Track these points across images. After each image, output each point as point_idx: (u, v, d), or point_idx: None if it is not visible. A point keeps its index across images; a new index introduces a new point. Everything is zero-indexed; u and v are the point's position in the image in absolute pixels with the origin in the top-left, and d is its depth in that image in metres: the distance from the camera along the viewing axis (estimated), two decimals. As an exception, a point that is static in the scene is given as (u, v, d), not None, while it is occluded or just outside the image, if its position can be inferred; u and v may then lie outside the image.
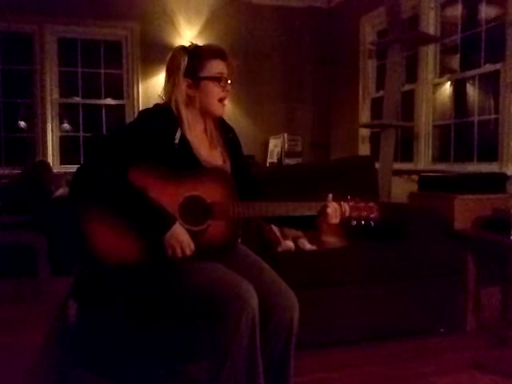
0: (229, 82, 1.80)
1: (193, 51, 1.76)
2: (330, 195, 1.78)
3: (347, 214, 1.79)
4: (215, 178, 1.73)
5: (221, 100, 1.79)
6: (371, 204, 1.82)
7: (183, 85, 1.74)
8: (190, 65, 1.74)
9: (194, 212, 1.67)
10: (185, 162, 1.72)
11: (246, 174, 1.93)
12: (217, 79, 1.76)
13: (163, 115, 1.73)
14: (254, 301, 1.54)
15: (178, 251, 1.63)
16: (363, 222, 1.80)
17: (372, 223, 1.81)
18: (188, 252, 1.64)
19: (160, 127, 1.71)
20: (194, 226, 1.68)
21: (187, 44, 1.81)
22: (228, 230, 1.72)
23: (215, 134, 1.87)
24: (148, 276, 1.70)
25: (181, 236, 1.63)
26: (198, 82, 1.75)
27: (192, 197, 1.69)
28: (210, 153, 1.82)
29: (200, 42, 1.87)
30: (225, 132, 1.91)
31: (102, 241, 1.63)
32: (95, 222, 1.64)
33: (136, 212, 1.62)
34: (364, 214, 1.80)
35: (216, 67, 1.76)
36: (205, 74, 1.75)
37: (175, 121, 1.74)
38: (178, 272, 1.67)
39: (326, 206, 1.75)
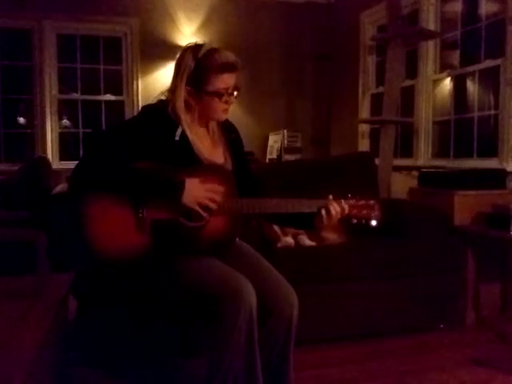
0: (235, 93, 1.73)
1: (201, 59, 1.66)
2: (331, 196, 1.76)
3: (347, 212, 1.77)
4: (214, 174, 1.72)
5: (223, 111, 1.75)
6: (372, 202, 1.79)
7: (184, 92, 1.69)
8: (195, 74, 1.67)
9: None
10: (185, 159, 1.71)
11: (246, 173, 1.92)
12: (220, 95, 1.70)
13: (165, 112, 1.71)
14: (252, 297, 1.54)
15: (206, 202, 1.62)
16: (363, 221, 1.79)
17: (373, 222, 1.80)
18: (216, 197, 1.64)
19: (161, 124, 1.70)
20: (193, 222, 1.68)
21: (199, 43, 1.72)
22: (227, 227, 1.71)
23: (217, 133, 1.86)
24: (147, 272, 1.71)
25: (197, 189, 1.62)
26: (200, 94, 1.70)
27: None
28: (211, 151, 1.81)
29: (199, 39, 1.81)
30: (227, 131, 1.89)
31: (102, 236, 1.63)
32: (95, 217, 1.64)
33: (144, 190, 1.62)
34: (364, 212, 1.78)
35: (222, 82, 1.68)
36: (209, 88, 1.68)
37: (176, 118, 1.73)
38: (177, 269, 1.67)
39: (325, 205, 1.74)
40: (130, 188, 1.62)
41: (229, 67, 1.68)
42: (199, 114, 1.76)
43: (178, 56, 1.73)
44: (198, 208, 1.63)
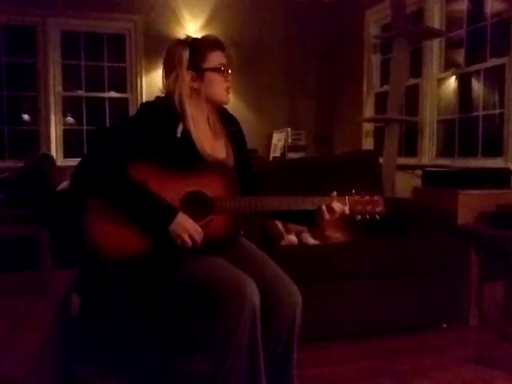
0: (229, 71, 1.81)
1: (192, 44, 1.76)
2: (335, 192, 1.76)
3: (348, 212, 1.76)
4: (217, 172, 1.72)
5: (225, 90, 1.81)
6: (376, 197, 1.79)
7: (187, 78, 1.74)
8: (191, 57, 1.74)
9: (196, 207, 1.66)
10: (187, 156, 1.71)
11: (247, 168, 1.92)
12: (219, 70, 1.78)
13: (165, 108, 1.72)
14: (256, 296, 1.53)
15: (187, 239, 1.63)
16: (368, 217, 1.78)
17: (377, 217, 1.79)
18: (197, 237, 1.64)
19: (161, 121, 1.70)
20: (196, 221, 1.67)
21: (182, 37, 1.80)
22: (229, 225, 1.71)
23: (218, 125, 1.87)
24: (149, 270, 1.70)
25: (186, 224, 1.63)
26: (202, 73, 1.76)
27: (193, 192, 1.68)
28: (213, 145, 1.81)
29: (203, 34, 1.86)
30: (227, 123, 1.90)
31: (102, 235, 1.62)
32: (96, 216, 1.63)
33: (137, 207, 1.61)
34: (369, 208, 1.77)
35: (217, 58, 1.77)
36: (208, 65, 1.76)
37: (177, 114, 1.73)
38: (179, 267, 1.67)
39: (328, 202, 1.73)
40: (123, 199, 1.62)
41: (220, 45, 1.81)
42: (205, 96, 1.79)
43: (166, 54, 1.79)
44: (180, 242, 1.63)
